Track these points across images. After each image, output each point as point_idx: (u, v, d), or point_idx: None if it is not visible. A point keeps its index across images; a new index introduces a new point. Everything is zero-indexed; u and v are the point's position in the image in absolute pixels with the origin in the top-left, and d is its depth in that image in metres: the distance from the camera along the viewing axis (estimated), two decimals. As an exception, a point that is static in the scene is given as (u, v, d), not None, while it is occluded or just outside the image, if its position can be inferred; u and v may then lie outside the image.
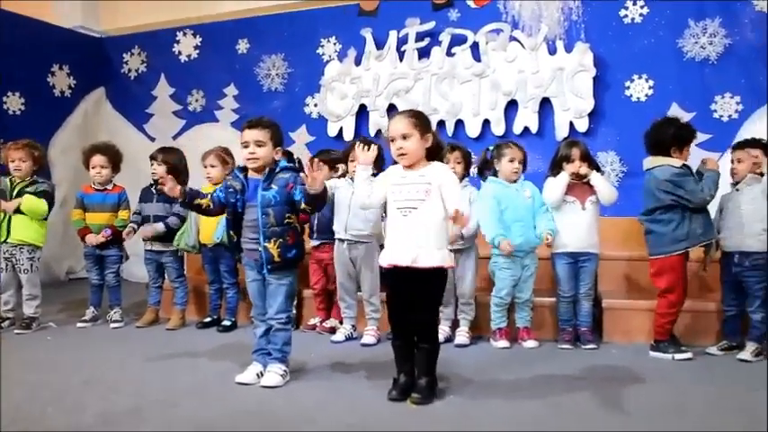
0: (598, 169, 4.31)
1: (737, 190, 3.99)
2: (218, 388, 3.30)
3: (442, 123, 6.07)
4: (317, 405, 3.05)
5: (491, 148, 4.35)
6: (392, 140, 3.10)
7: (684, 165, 3.92)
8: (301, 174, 3.29)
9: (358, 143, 4.42)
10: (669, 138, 3.95)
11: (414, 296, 3.07)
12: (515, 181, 4.23)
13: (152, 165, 4.91)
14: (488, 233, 4.13)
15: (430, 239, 3.04)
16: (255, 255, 3.31)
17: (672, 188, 3.87)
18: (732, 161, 4.04)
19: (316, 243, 4.69)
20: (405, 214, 3.06)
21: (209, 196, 3.42)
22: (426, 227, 3.04)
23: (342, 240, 4.40)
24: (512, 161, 4.20)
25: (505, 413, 2.93)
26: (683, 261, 3.95)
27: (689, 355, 3.86)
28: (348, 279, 4.45)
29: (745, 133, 5.04)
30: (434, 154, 3.16)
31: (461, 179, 4.38)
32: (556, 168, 4.27)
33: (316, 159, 3.35)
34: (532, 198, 4.22)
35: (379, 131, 6.11)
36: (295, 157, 4.15)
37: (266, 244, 3.26)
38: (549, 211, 4.22)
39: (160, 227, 4.78)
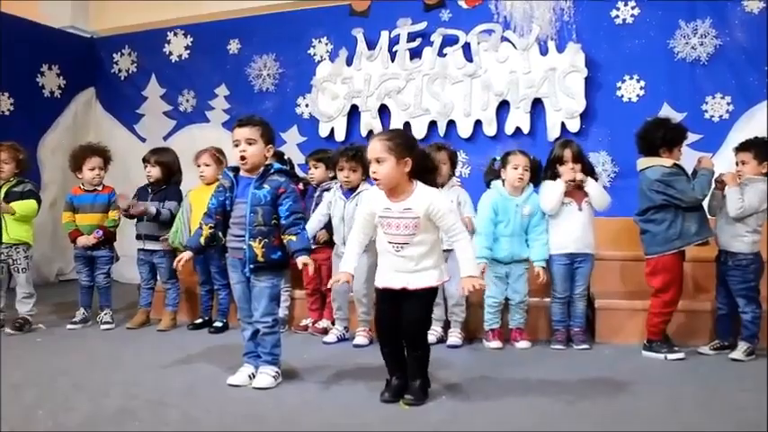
0: (592, 170, 4.31)
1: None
2: (210, 389, 3.28)
3: (433, 124, 6.07)
4: (308, 406, 3.04)
5: (498, 158, 4.30)
6: (369, 163, 3.02)
7: (675, 164, 3.93)
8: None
9: (342, 152, 4.48)
10: (659, 139, 3.97)
11: (404, 310, 3.05)
12: (522, 190, 4.21)
13: (146, 167, 4.89)
14: (476, 246, 4.10)
15: (424, 264, 3.02)
16: (239, 253, 3.29)
17: (663, 188, 3.88)
18: (736, 163, 4.03)
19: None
20: (397, 249, 3.02)
21: (203, 222, 3.39)
22: (420, 256, 3.01)
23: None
24: (516, 168, 4.16)
25: (498, 414, 2.92)
26: (678, 260, 3.96)
27: (681, 355, 3.86)
28: (344, 283, 4.42)
29: (735, 134, 5.08)
30: (423, 173, 3.04)
31: (448, 179, 4.38)
32: (549, 169, 4.27)
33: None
34: (530, 215, 4.21)
35: (370, 132, 6.10)
36: (286, 157, 4.15)
37: (251, 242, 3.24)
38: (545, 232, 4.20)
39: (152, 208, 4.74)
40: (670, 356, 3.87)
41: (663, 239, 3.93)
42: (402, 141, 3.00)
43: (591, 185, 4.19)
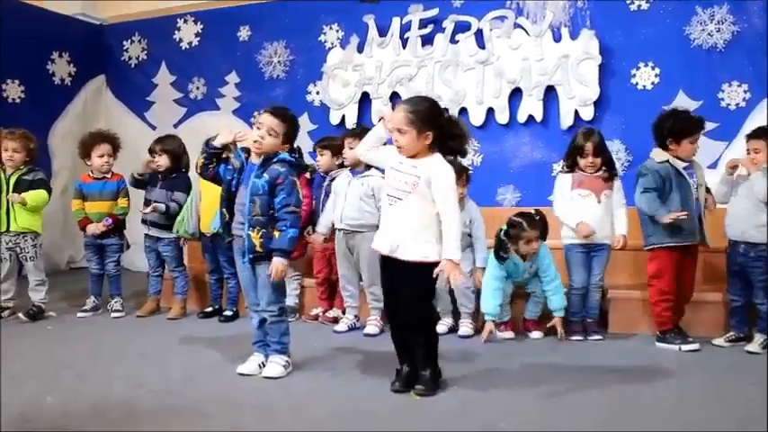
0: (612, 162, 4.26)
1: (749, 176, 3.92)
2: (218, 378, 3.28)
3: (445, 111, 6.00)
4: (317, 395, 3.02)
5: (503, 228, 4.15)
6: (391, 131, 3.02)
7: (668, 161, 3.92)
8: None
9: (347, 136, 4.48)
10: (666, 129, 3.95)
11: (398, 287, 3.03)
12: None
13: (153, 157, 4.87)
14: (485, 306, 4.09)
15: (411, 233, 2.97)
16: (241, 241, 3.28)
17: (637, 180, 3.97)
18: (748, 151, 3.96)
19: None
20: (391, 203, 3.02)
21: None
22: (408, 220, 2.97)
23: (339, 230, 4.37)
24: (529, 242, 4.06)
25: (510, 404, 2.89)
26: (671, 253, 3.94)
27: (696, 346, 3.82)
28: (348, 269, 4.42)
29: (752, 122, 4.98)
30: (448, 141, 3.02)
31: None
32: (570, 158, 4.22)
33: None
34: (537, 270, 4.16)
35: (381, 119, 6.03)
36: (295, 146, 4.13)
37: (249, 232, 3.21)
38: (556, 278, 4.13)
39: (161, 207, 4.75)
40: (684, 348, 3.82)
41: (651, 232, 3.97)
42: (425, 114, 2.98)
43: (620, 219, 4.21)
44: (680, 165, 3.94)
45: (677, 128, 3.93)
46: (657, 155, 3.97)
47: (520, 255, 4.11)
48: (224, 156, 3.35)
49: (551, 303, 4.13)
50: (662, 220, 3.83)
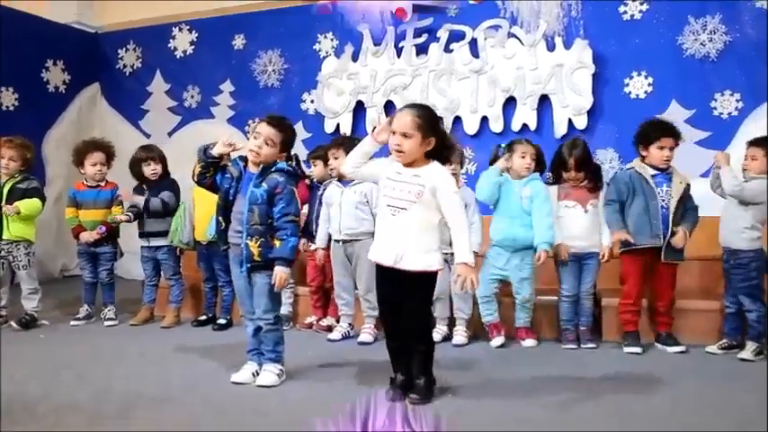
0: (599, 174, 4.28)
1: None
2: (212, 387, 3.26)
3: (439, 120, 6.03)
4: (312, 405, 3.01)
5: (503, 145, 4.24)
6: (393, 133, 3.00)
7: (634, 168, 4.05)
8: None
9: (330, 147, 4.50)
10: (637, 137, 4.09)
11: (400, 297, 3.03)
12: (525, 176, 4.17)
13: (148, 164, 4.85)
14: (478, 192, 4.19)
15: (416, 242, 2.97)
16: (239, 250, 3.27)
17: None
18: (746, 157, 3.98)
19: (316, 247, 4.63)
20: (393, 213, 2.99)
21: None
22: (413, 229, 2.97)
23: (337, 241, 4.37)
24: (523, 156, 4.13)
25: (504, 413, 2.89)
26: (631, 258, 4.05)
27: (636, 350, 3.93)
28: (345, 276, 4.41)
29: (745, 131, 5.02)
30: (438, 154, 3.04)
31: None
32: (554, 171, 4.26)
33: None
34: (530, 199, 4.13)
35: (374, 129, 6.04)
36: (293, 153, 4.15)
37: (248, 241, 3.21)
38: (549, 215, 4.11)
39: (140, 202, 4.74)
40: (625, 350, 3.96)
41: None
42: (430, 120, 3.00)
43: (605, 231, 4.20)
44: (649, 172, 4.01)
45: (643, 134, 4.05)
46: (632, 162, 4.12)
47: (512, 172, 4.16)
48: (221, 164, 3.35)
49: (537, 237, 4.07)
50: (612, 234, 4.04)
